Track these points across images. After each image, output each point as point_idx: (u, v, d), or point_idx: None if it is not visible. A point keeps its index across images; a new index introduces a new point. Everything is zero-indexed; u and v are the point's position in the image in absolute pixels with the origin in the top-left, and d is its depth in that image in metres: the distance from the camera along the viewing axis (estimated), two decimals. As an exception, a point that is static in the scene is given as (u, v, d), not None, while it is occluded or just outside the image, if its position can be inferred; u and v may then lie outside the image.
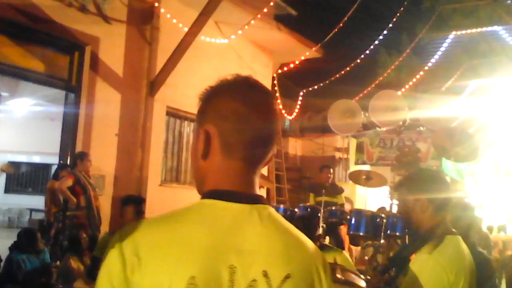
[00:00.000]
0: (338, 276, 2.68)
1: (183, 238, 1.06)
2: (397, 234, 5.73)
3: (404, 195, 2.51)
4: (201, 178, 1.21)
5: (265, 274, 1.07)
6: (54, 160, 9.07)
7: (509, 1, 12.24)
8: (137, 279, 1.02)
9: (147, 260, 1.03)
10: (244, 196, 1.14)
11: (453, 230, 2.40)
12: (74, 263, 5.64)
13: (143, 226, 1.09)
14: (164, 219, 1.11)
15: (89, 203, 6.87)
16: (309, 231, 3.70)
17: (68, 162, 7.60)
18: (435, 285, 2.18)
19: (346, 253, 3.86)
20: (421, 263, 2.28)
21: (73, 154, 7.48)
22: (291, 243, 1.15)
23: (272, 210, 1.17)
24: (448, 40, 12.90)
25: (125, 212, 4.54)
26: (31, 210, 14.00)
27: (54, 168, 8.64)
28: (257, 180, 1.19)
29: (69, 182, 6.76)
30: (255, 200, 1.15)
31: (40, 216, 10.62)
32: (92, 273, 4.72)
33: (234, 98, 1.17)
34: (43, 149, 14.45)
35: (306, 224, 3.83)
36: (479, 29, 12.89)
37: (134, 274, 1.03)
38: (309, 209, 6.07)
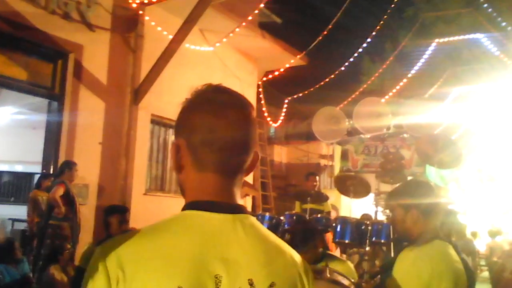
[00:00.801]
0: (327, 275, 2.71)
1: (167, 250, 1.05)
2: (382, 241, 5.74)
3: (394, 205, 2.54)
4: (182, 190, 1.21)
5: (251, 283, 1.08)
6: (37, 169, 8.97)
7: (490, 9, 12.42)
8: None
9: (132, 273, 1.02)
10: (224, 206, 1.13)
11: (443, 237, 2.43)
12: (58, 274, 5.56)
13: (125, 240, 1.08)
14: (146, 232, 1.10)
15: (75, 214, 6.78)
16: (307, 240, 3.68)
17: (52, 171, 7.52)
18: (415, 279, 2.20)
19: (350, 263, 3.83)
20: (402, 259, 2.35)
21: (57, 163, 7.42)
22: (273, 252, 1.15)
23: (253, 219, 1.17)
24: (431, 48, 13.05)
25: (109, 223, 4.49)
26: (13, 220, 13.77)
27: (36, 177, 8.52)
28: (237, 190, 1.18)
29: (61, 191, 6.61)
30: (236, 209, 1.14)
31: (22, 226, 10.46)
32: (76, 285, 4.65)
33: (201, 109, 1.16)
34: (25, 158, 14.26)
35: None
36: (461, 37, 13.07)
37: (119, 286, 1.02)
38: (294, 217, 6.05)
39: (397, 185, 2.80)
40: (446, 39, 13.35)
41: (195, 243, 1.07)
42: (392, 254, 5.34)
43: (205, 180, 1.15)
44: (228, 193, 1.15)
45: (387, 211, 6.35)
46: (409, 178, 7.56)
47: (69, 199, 6.73)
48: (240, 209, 1.15)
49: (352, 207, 6.98)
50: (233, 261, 1.08)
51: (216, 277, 1.05)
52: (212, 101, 1.17)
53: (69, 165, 6.91)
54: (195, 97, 1.20)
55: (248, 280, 1.08)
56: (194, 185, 1.16)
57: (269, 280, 1.10)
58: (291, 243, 1.44)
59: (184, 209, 1.15)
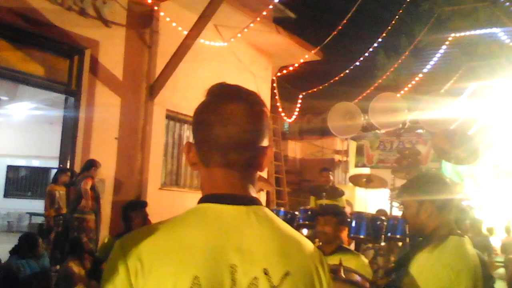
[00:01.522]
0: (342, 275, 2.69)
1: (184, 241, 1.09)
2: (398, 236, 5.72)
3: (407, 199, 2.52)
4: (201, 187, 1.25)
5: (266, 272, 1.10)
6: (53, 164, 9.06)
7: (507, 3, 12.26)
8: (140, 283, 1.05)
9: (150, 265, 1.06)
10: (237, 198, 1.16)
11: (458, 231, 2.41)
12: (75, 267, 5.63)
13: (144, 233, 1.12)
14: (164, 225, 1.14)
15: (99, 208, 7.01)
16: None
17: (68, 166, 7.61)
18: (435, 284, 2.18)
19: (364, 257, 3.84)
20: (421, 263, 2.30)
21: (73, 158, 7.55)
22: (288, 242, 1.17)
23: (267, 210, 1.20)
24: (447, 42, 12.92)
25: (130, 217, 4.53)
26: (31, 214, 13.96)
27: (53, 172, 8.62)
28: (250, 184, 1.20)
29: (90, 183, 6.93)
30: (250, 201, 1.17)
31: (39, 220, 10.60)
32: (93, 274, 4.71)
33: (205, 108, 1.21)
34: (42, 153, 14.44)
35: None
36: (478, 31, 12.92)
37: (137, 278, 1.05)
38: (309, 212, 6.05)
39: (409, 179, 2.75)
40: (462, 34, 13.21)
41: (210, 234, 1.10)
42: (408, 249, 5.31)
43: (213, 175, 1.19)
44: (240, 187, 1.18)
45: (398, 204, 6.32)
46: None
47: (94, 194, 6.99)
48: (253, 201, 1.18)
49: (367, 203, 6.96)
50: (248, 251, 1.10)
51: (232, 267, 1.08)
52: (217, 99, 1.21)
53: (95, 164, 7.15)
54: (205, 96, 1.24)
55: (263, 269, 1.10)
56: (205, 180, 1.21)
57: (284, 270, 1.12)
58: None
59: (199, 202, 1.19)
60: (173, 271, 1.05)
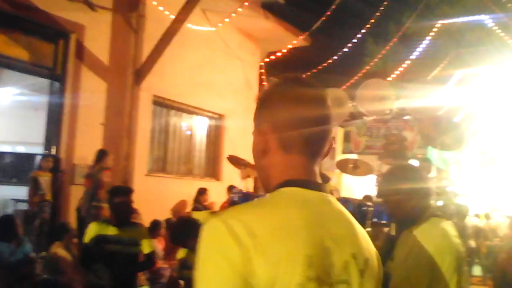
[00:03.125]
0: None
1: (287, 221, 1.08)
2: (383, 222, 5.77)
3: (387, 192, 2.64)
4: (266, 175, 1.24)
5: (354, 257, 1.14)
6: (38, 150, 8.96)
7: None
8: (257, 260, 1.01)
9: (264, 241, 1.03)
10: (314, 184, 1.20)
11: (439, 213, 2.53)
12: (62, 252, 5.60)
13: (245, 210, 1.11)
14: (257, 205, 1.15)
15: None
16: None
17: (53, 152, 7.53)
18: (417, 257, 2.27)
19: None
20: (403, 240, 2.43)
21: (59, 144, 7.53)
22: (359, 228, 1.22)
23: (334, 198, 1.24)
24: (435, 29, 12.92)
25: (117, 204, 4.50)
26: (16, 200, 13.83)
27: (38, 158, 8.53)
28: (318, 171, 1.24)
29: (109, 175, 7.13)
30: (322, 188, 1.21)
31: (25, 206, 10.51)
32: (82, 260, 4.68)
33: (287, 97, 1.22)
34: (27, 139, 14.26)
35: None
36: (465, 18, 12.94)
37: (253, 255, 1.01)
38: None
39: (385, 173, 2.91)
40: (450, 21, 13.22)
41: (304, 216, 1.10)
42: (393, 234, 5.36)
43: (293, 162, 1.20)
44: (314, 173, 1.22)
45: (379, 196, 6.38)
46: (411, 160, 7.55)
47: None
48: (324, 189, 1.21)
49: (354, 189, 7.00)
50: (337, 235, 1.13)
51: (328, 249, 1.09)
52: (296, 90, 1.23)
53: (106, 153, 7.28)
54: (276, 87, 1.26)
55: (352, 253, 1.14)
56: (281, 167, 1.20)
57: (365, 255, 1.18)
58: None
59: (279, 187, 1.17)
60: (287, 249, 1.03)
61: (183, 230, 4.07)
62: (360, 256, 1.16)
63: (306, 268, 1.03)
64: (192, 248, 4.05)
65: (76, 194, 7.40)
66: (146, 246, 4.60)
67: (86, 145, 7.55)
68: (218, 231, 1.03)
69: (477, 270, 9.15)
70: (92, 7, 7.71)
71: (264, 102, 1.25)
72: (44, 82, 8.18)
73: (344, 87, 11.17)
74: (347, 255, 1.13)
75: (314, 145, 1.22)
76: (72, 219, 7.24)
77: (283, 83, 1.26)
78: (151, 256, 4.66)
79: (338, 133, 13.49)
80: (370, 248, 1.22)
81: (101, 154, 7.26)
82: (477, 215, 10.42)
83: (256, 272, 1.00)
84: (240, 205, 1.14)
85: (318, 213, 1.13)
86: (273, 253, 1.02)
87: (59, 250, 5.72)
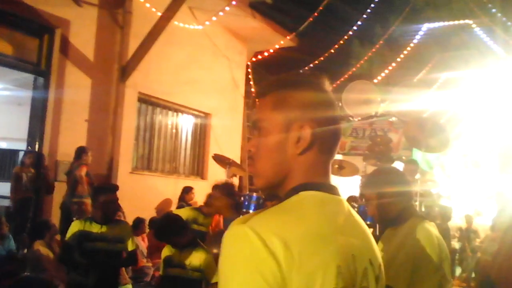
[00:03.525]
0: None
1: (316, 230, 1.04)
2: (368, 222, 5.78)
3: (368, 195, 2.70)
4: (281, 175, 1.16)
5: (371, 263, 1.14)
6: (22, 146, 8.85)
7: (480, -5, 12.41)
8: (292, 273, 0.97)
9: (299, 252, 0.98)
10: (332, 187, 1.17)
11: (419, 214, 2.61)
12: (43, 250, 5.53)
13: (276, 218, 1.04)
14: (282, 213, 1.07)
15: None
16: None
17: (37, 148, 7.44)
18: (399, 255, 2.30)
19: None
20: (384, 240, 2.50)
21: (42, 139, 7.44)
22: (369, 232, 1.21)
23: None
24: (421, 33, 13.02)
25: (102, 202, 4.45)
26: (-1, 197, 13.64)
27: (21, 154, 8.42)
28: None
29: (85, 170, 7.07)
30: (337, 191, 1.18)
31: (7, 203, 10.38)
32: (63, 258, 4.62)
33: (320, 89, 1.20)
34: (10, 135, 14.10)
35: None
36: (451, 22, 13.06)
37: (289, 267, 0.97)
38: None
39: (368, 175, 2.96)
40: (436, 24, 13.34)
41: (330, 224, 1.08)
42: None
43: (323, 161, 1.17)
44: (330, 175, 1.20)
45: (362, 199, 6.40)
46: (397, 161, 7.61)
47: (90, 179, 7.10)
48: (338, 191, 1.19)
49: (339, 189, 6.99)
50: (357, 241, 1.12)
51: (353, 256, 1.08)
52: (322, 88, 1.21)
53: (85, 150, 7.22)
54: (301, 81, 1.22)
55: (369, 260, 1.14)
56: (312, 166, 1.15)
57: (378, 261, 1.18)
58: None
59: (299, 190, 1.12)
60: (321, 261, 1.01)
61: (168, 227, 4.03)
62: (375, 262, 1.16)
63: (337, 279, 1.02)
64: (176, 245, 4.02)
65: (59, 190, 7.32)
66: (129, 244, 4.56)
67: (70, 142, 7.47)
68: (251, 242, 0.97)
69: (460, 271, 9.25)
70: (78, 2, 7.64)
71: (293, 99, 1.16)
72: (28, 77, 8.08)
73: (330, 88, 11.20)
74: (366, 262, 1.12)
75: (336, 145, 1.20)
76: (55, 216, 7.16)
77: (307, 77, 1.24)
78: (134, 253, 4.62)
79: (323, 134, 13.50)
80: (379, 252, 1.21)
81: (80, 151, 7.23)
82: (462, 217, 10.54)
83: (291, 286, 0.96)
84: (263, 212, 1.06)
85: (339, 220, 1.11)
86: (308, 266, 0.98)
87: (41, 247, 5.65)
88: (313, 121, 1.14)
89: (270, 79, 1.23)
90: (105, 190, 4.64)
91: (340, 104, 9.27)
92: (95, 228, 4.36)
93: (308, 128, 1.13)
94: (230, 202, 4.58)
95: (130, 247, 4.56)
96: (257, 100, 1.24)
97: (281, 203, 1.10)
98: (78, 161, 7.15)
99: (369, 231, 1.20)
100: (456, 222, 9.96)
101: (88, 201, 6.85)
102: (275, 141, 1.15)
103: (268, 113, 1.17)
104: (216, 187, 4.72)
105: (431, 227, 2.43)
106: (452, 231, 9.34)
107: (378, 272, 1.15)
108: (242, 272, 0.95)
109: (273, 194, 1.21)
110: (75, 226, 4.43)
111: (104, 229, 4.37)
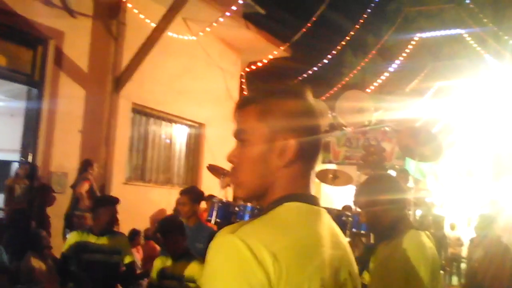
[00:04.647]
0: None
1: (301, 242, 1.05)
2: (362, 232, 5.77)
3: (363, 203, 2.63)
4: (265, 185, 1.15)
5: (350, 273, 1.15)
6: (15, 157, 8.80)
7: (472, 5, 12.54)
8: (281, 286, 0.97)
9: (287, 264, 0.99)
10: (313, 198, 1.17)
11: (415, 225, 2.54)
12: (36, 263, 5.49)
13: (259, 230, 1.03)
14: (268, 224, 1.06)
15: None
16: None
17: (30, 159, 7.41)
18: (391, 270, 2.29)
19: None
20: (378, 253, 2.45)
21: (36, 151, 7.39)
22: (346, 242, 1.21)
23: None
24: (413, 43, 13.13)
25: (101, 214, 4.45)
26: (-9, 208, 13.53)
27: (14, 165, 8.39)
28: None
29: (87, 186, 7.02)
30: (318, 202, 1.18)
31: (0, 215, 10.32)
32: (59, 270, 4.61)
33: (303, 101, 1.18)
34: (3, 146, 14.01)
35: None
36: (443, 32, 13.18)
37: (277, 279, 0.97)
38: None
39: (362, 183, 2.90)
40: (428, 34, 13.45)
41: (313, 236, 1.08)
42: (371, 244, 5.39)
43: (303, 174, 1.16)
44: (311, 185, 1.19)
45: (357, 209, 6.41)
46: (389, 171, 7.63)
47: (92, 193, 7.05)
48: (318, 202, 1.18)
49: (333, 199, 7.02)
50: (337, 253, 1.13)
51: (336, 269, 1.09)
52: (305, 97, 1.20)
53: (91, 163, 7.24)
54: (284, 92, 1.20)
55: (349, 271, 1.14)
56: (295, 177, 1.15)
57: (355, 271, 1.18)
58: None
59: (282, 201, 1.12)
60: (307, 274, 1.01)
61: (175, 222, 4.04)
62: (353, 272, 1.16)
63: None
64: (174, 252, 3.99)
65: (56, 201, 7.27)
66: (127, 256, 4.55)
67: (63, 153, 7.45)
68: (240, 253, 0.97)
69: (454, 280, 9.27)
70: (72, 13, 7.65)
71: (277, 110, 1.15)
72: (22, 88, 8.06)
73: (323, 98, 11.27)
74: (346, 273, 1.13)
75: (317, 155, 1.19)
76: (54, 228, 7.11)
77: (289, 89, 1.22)
78: (132, 265, 4.61)
79: (317, 143, 13.54)
80: (355, 262, 1.21)
81: (86, 164, 7.23)
82: (452, 226, 10.59)
83: None
84: (249, 222, 1.05)
85: (322, 232, 1.11)
86: (296, 279, 0.99)
87: (33, 259, 5.61)
88: (297, 132, 1.13)
89: (251, 89, 1.24)
90: (105, 202, 4.64)
91: (333, 113, 9.31)
92: (93, 239, 4.36)
93: (292, 140, 1.12)
94: (195, 207, 4.65)
95: (127, 259, 4.55)
96: (236, 110, 1.20)
97: (266, 214, 1.09)
98: (84, 174, 7.15)
99: (346, 241, 1.20)
100: (449, 231, 10.00)
101: (88, 215, 6.85)
102: (259, 153, 1.14)
103: (251, 124, 1.15)
104: (182, 192, 4.79)
105: (425, 238, 2.40)
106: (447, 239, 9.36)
107: (356, 283, 1.16)
108: (230, 282, 0.95)
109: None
110: (73, 238, 4.43)
111: (101, 240, 4.36)
